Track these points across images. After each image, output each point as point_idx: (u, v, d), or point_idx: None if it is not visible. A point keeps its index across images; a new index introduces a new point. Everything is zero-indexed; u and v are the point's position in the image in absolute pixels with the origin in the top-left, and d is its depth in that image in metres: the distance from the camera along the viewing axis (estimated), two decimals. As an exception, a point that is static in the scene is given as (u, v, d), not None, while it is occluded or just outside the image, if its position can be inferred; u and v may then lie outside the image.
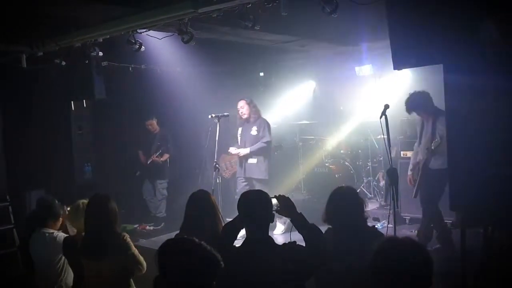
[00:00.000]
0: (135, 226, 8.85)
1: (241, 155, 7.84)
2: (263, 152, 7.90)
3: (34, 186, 8.28)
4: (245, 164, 7.93)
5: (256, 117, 8.01)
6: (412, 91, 6.78)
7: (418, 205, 7.03)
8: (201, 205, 4.24)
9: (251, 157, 7.89)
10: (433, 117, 6.64)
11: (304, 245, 3.60)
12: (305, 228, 3.81)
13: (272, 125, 8.23)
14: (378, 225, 7.61)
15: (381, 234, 4.06)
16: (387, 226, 6.81)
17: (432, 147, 6.55)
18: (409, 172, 6.99)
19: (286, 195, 3.93)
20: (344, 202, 3.98)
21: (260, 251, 3.36)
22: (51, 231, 5.14)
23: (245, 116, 7.95)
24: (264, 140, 7.85)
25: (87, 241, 4.39)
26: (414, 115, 6.88)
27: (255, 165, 7.88)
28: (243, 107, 7.94)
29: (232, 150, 7.98)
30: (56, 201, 5.34)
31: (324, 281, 3.83)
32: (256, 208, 3.58)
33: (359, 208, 3.95)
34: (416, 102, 6.67)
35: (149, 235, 8.38)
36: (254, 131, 7.93)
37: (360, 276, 3.51)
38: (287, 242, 3.58)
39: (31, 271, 5.32)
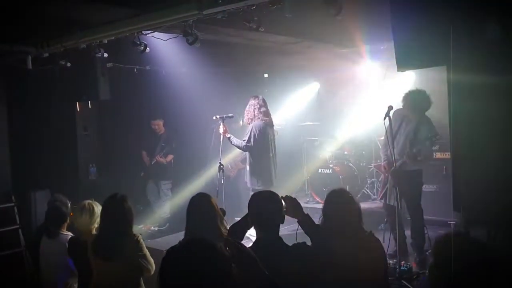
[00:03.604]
0: (140, 226, 8.86)
1: (220, 130, 7.47)
2: (243, 152, 7.78)
3: (39, 187, 8.31)
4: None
5: (249, 121, 7.68)
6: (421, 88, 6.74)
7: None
8: (201, 208, 4.25)
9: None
10: (417, 119, 6.61)
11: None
12: (311, 229, 3.84)
13: (276, 127, 8.11)
14: (381, 226, 7.62)
15: (377, 239, 4.04)
16: (389, 227, 6.84)
17: (419, 158, 6.48)
18: (383, 162, 6.99)
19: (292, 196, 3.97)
20: (337, 206, 3.94)
21: (271, 251, 3.36)
22: (66, 232, 5.18)
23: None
24: (243, 142, 7.54)
25: (101, 240, 4.40)
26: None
27: (245, 171, 7.87)
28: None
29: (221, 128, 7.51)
30: (65, 199, 5.40)
31: (328, 282, 3.84)
32: (267, 208, 3.60)
33: (352, 211, 3.90)
34: (418, 100, 6.59)
35: (153, 236, 8.40)
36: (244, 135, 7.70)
37: (357, 279, 3.55)
38: (296, 242, 3.61)
39: (38, 271, 5.37)
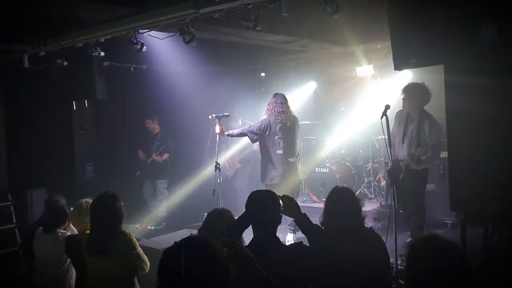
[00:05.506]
0: (137, 225, 8.87)
1: (216, 130, 7.52)
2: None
3: (35, 186, 8.29)
4: None
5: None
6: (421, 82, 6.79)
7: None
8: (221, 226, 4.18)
9: None
10: (418, 117, 6.66)
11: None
12: (308, 228, 3.83)
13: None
14: (379, 225, 7.62)
15: (377, 235, 4.05)
16: (387, 227, 6.84)
17: (423, 158, 6.52)
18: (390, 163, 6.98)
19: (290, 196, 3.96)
20: (340, 204, 3.92)
21: (267, 251, 3.35)
22: (63, 231, 5.16)
23: None
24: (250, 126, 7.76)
25: (93, 239, 4.38)
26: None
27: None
28: None
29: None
30: (64, 201, 5.38)
31: (325, 282, 3.83)
32: (264, 208, 3.59)
33: (355, 209, 3.90)
34: (416, 92, 6.68)
35: (150, 235, 8.39)
36: None
37: (360, 276, 3.55)
38: (293, 242, 3.61)
39: (33, 270, 5.35)
